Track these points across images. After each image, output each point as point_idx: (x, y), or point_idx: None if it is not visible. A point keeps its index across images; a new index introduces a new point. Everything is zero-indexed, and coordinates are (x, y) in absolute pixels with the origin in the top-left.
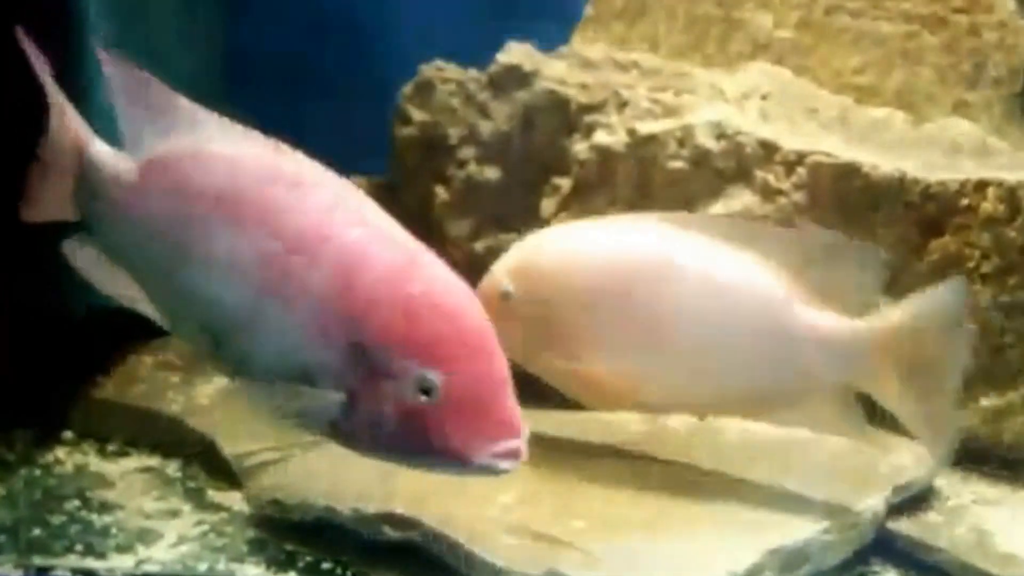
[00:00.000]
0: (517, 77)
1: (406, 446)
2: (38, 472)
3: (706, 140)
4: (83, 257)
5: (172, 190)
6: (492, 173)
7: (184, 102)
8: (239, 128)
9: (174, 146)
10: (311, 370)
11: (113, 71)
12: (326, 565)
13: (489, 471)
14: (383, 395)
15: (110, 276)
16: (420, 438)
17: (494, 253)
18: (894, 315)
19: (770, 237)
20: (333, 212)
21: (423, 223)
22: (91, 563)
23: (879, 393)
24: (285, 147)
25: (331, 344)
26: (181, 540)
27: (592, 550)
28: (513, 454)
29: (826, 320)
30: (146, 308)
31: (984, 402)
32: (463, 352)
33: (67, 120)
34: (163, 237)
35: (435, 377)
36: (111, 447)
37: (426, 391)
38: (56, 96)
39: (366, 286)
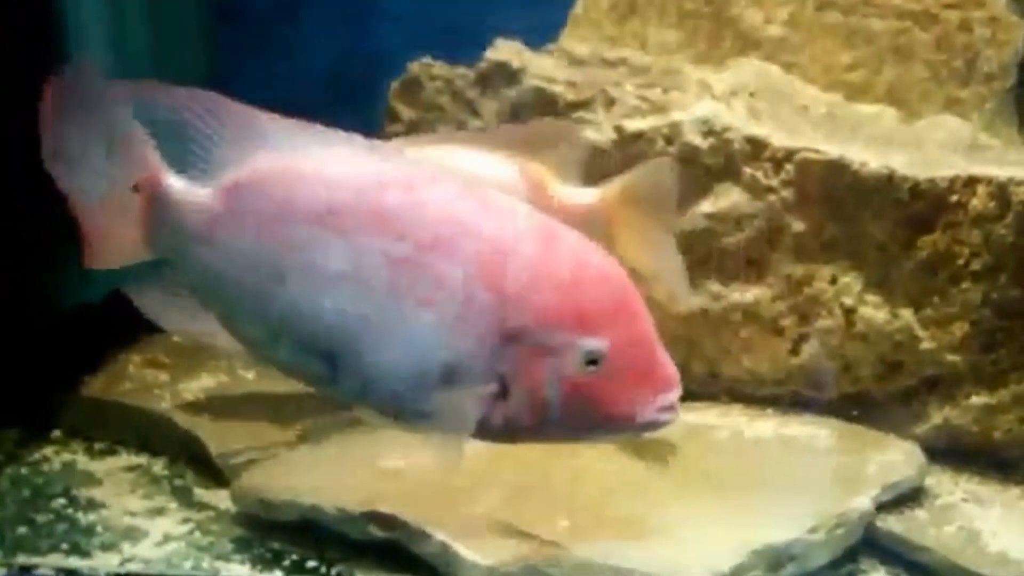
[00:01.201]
0: (505, 74)
1: (574, 421)
2: (25, 470)
3: (694, 137)
4: (151, 300)
5: (269, 211)
6: None
7: (263, 117)
8: (330, 134)
9: (260, 165)
10: (454, 368)
11: (174, 96)
12: (311, 564)
13: (653, 427)
14: (546, 375)
15: (187, 316)
16: (588, 409)
17: None
18: (618, 185)
19: (492, 138)
20: (458, 204)
21: None
22: (75, 562)
23: (619, 250)
24: (381, 145)
25: (480, 336)
26: (166, 538)
27: (577, 549)
28: (672, 406)
29: (569, 194)
30: (230, 344)
31: (975, 400)
32: (620, 316)
33: (139, 153)
34: (262, 261)
35: (600, 346)
36: (99, 445)
37: (593, 361)
38: (128, 127)
39: (515, 271)
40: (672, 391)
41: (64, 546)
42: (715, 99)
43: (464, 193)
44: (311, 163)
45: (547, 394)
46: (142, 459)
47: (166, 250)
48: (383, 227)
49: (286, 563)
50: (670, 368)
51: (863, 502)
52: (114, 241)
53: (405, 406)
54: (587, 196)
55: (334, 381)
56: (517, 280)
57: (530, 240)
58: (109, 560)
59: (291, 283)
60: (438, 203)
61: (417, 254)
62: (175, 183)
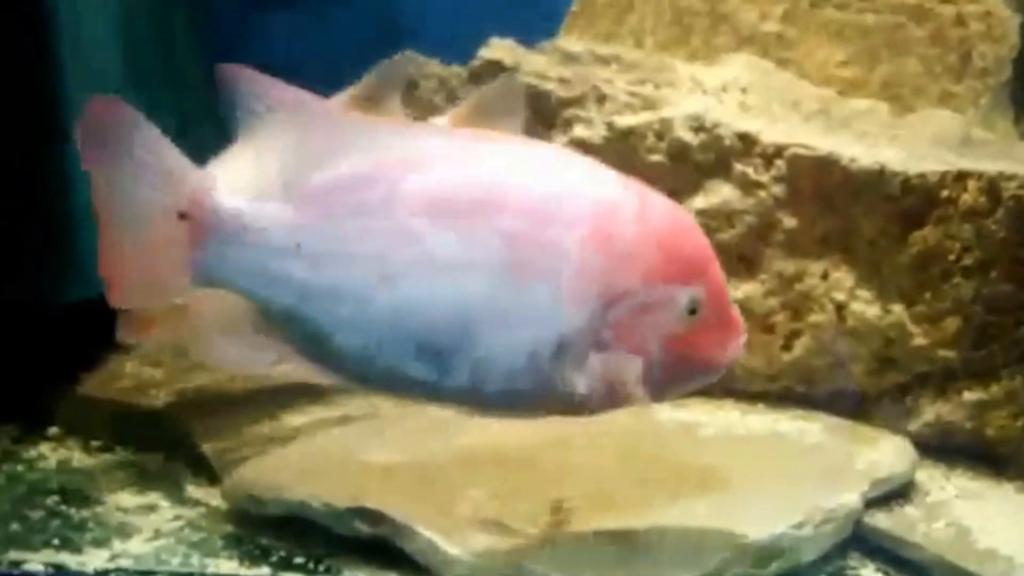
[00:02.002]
0: (498, 72)
1: (673, 375)
2: (20, 467)
3: (684, 133)
4: (214, 344)
5: (367, 210)
6: None
7: (336, 112)
8: (402, 125)
9: (342, 164)
10: (566, 341)
11: (272, 91)
12: (298, 560)
13: (725, 368)
14: (650, 333)
15: (249, 349)
16: (688, 359)
17: None
18: (466, 104)
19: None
20: (558, 171)
21: None
22: (64, 558)
23: None
24: (461, 130)
25: (591, 303)
26: (157, 535)
27: (562, 545)
28: (740, 347)
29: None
30: (305, 372)
31: (967, 396)
32: (707, 263)
33: (180, 176)
34: (363, 264)
35: (698, 294)
36: (95, 443)
37: (692, 310)
38: (163, 152)
39: (622, 233)
40: (743, 332)
41: (55, 542)
42: (706, 95)
43: (560, 159)
44: (399, 155)
45: (652, 352)
46: (137, 456)
47: (228, 276)
48: (492, 206)
49: (274, 559)
50: (737, 309)
51: (851, 498)
52: (158, 276)
53: (518, 392)
54: (440, 121)
55: (439, 382)
56: (623, 240)
57: (626, 199)
58: (99, 556)
59: (400, 281)
60: (540, 173)
61: (530, 227)
62: (235, 201)
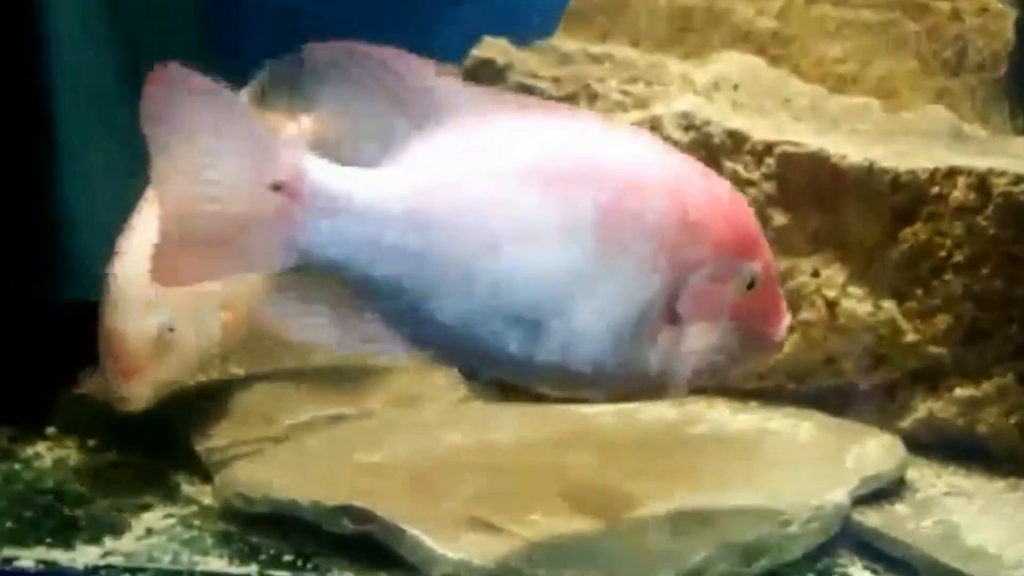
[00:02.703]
0: (491, 71)
1: (734, 349)
2: (18, 466)
3: (674, 131)
4: (290, 316)
5: (476, 178)
6: None
7: (437, 78)
8: (498, 92)
9: (447, 132)
10: (646, 313)
11: (367, 58)
12: (287, 558)
13: (779, 347)
14: (716, 305)
15: (339, 325)
16: (748, 333)
17: None
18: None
19: None
20: (638, 145)
21: None
22: (56, 555)
23: None
24: (547, 103)
25: (669, 274)
26: (149, 532)
27: (548, 544)
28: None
29: None
30: (394, 348)
31: (959, 393)
32: (762, 240)
33: (271, 147)
34: (472, 232)
35: (757, 268)
36: (91, 442)
37: (751, 284)
38: (250, 122)
39: (696, 207)
40: (788, 312)
41: (48, 540)
42: (697, 93)
43: (635, 135)
44: (499, 123)
45: (718, 323)
46: (132, 455)
47: (327, 249)
48: (588, 176)
49: (263, 557)
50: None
51: (840, 495)
52: (252, 251)
53: (602, 366)
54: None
55: (532, 356)
56: (697, 212)
57: (695, 173)
58: (90, 553)
59: (504, 251)
60: (622, 145)
61: (620, 197)
62: (334, 169)
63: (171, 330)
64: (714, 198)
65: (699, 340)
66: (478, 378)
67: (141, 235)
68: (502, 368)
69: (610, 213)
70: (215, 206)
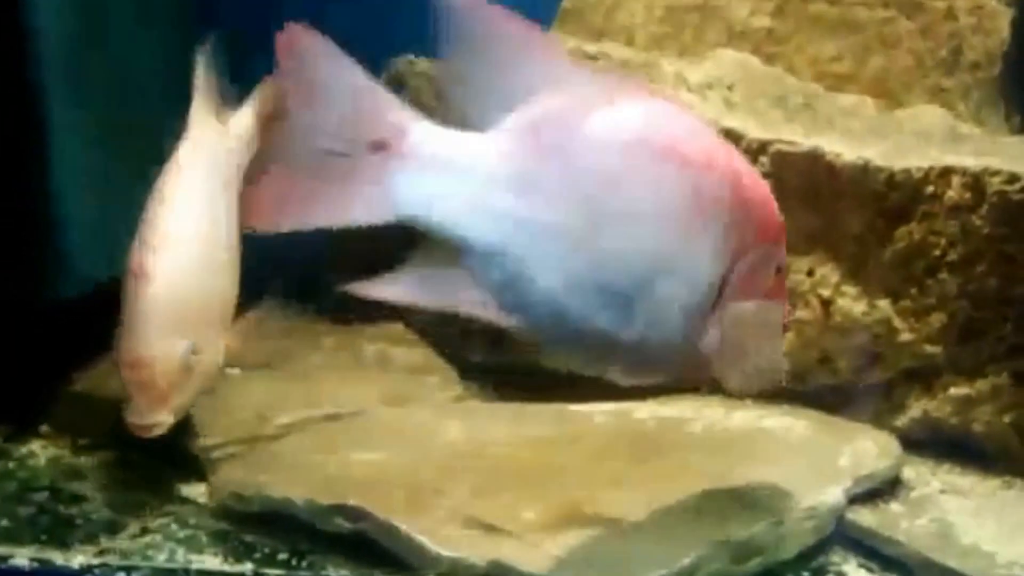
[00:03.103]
0: None
1: (764, 333)
2: (12, 465)
3: None
4: (400, 283)
5: (582, 149)
6: None
7: (557, 52)
8: (602, 68)
9: (553, 101)
10: (708, 296)
11: (496, 21)
12: (282, 556)
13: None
14: (755, 290)
15: (444, 288)
16: (769, 318)
17: None
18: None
19: None
20: (704, 126)
21: None
22: (51, 553)
23: None
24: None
25: (728, 258)
26: (144, 531)
27: (541, 543)
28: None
29: None
30: (497, 316)
31: (953, 391)
32: (784, 226)
33: (381, 107)
34: (575, 202)
35: (783, 252)
36: (86, 440)
37: (779, 269)
38: (361, 81)
39: (751, 191)
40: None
41: (43, 538)
42: (691, 91)
43: (698, 120)
44: (598, 97)
45: (755, 306)
46: (127, 454)
47: (429, 210)
48: (678, 156)
49: (257, 555)
50: None
51: (834, 494)
52: (338, 209)
53: (675, 345)
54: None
55: (617, 335)
56: (752, 195)
57: (742, 161)
58: (85, 552)
59: (605, 225)
60: (700, 126)
61: (705, 179)
62: (441, 130)
63: (195, 354)
64: (760, 183)
65: (745, 322)
66: (548, 355)
67: (165, 256)
68: (589, 348)
69: (698, 193)
70: (321, 157)
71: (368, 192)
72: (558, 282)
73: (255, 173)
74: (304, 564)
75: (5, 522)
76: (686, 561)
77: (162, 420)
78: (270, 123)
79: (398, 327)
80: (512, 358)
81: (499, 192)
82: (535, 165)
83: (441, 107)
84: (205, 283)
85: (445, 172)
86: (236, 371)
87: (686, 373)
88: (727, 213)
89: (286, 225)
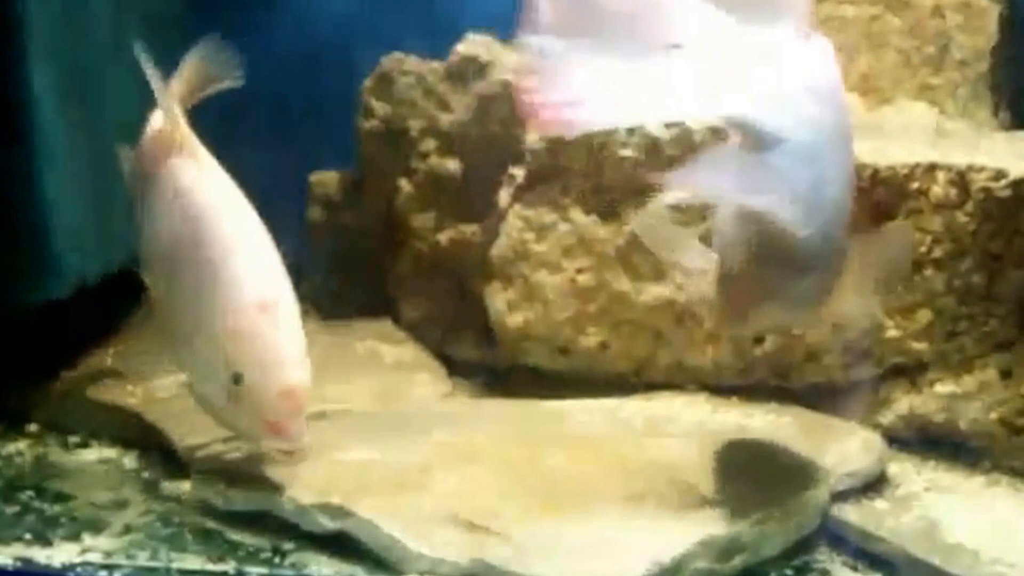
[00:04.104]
0: (474, 68)
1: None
2: None
3: (655, 129)
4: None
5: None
6: (453, 165)
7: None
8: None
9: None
10: None
11: None
12: (265, 555)
13: None
14: None
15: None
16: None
17: (458, 245)
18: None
19: None
20: None
21: (388, 216)
22: (34, 552)
23: None
24: None
25: None
26: (128, 529)
27: (524, 540)
28: None
29: None
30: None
31: (940, 388)
32: None
33: None
34: (836, 120)
35: None
36: (73, 439)
37: None
38: None
39: None
40: None
41: (27, 536)
42: None
43: None
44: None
45: None
46: (113, 452)
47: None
48: (836, 91)
49: (241, 554)
50: None
51: (818, 491)
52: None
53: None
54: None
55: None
56: None
57: None
58: (69, 550)
59: (838, 171)
60: None
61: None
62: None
63: None
64: None
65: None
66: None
67: (277, 285)
68: (830, 242)
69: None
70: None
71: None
72: (829, 182)
73: None
74: (287, 563)
75: None
76: (671, 558)
77: (306, 443)
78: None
79: (388, 324)
80: (501, 356)
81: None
82: (828, 80)
83: (431, 104)
84: (294, 298)
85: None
86: None
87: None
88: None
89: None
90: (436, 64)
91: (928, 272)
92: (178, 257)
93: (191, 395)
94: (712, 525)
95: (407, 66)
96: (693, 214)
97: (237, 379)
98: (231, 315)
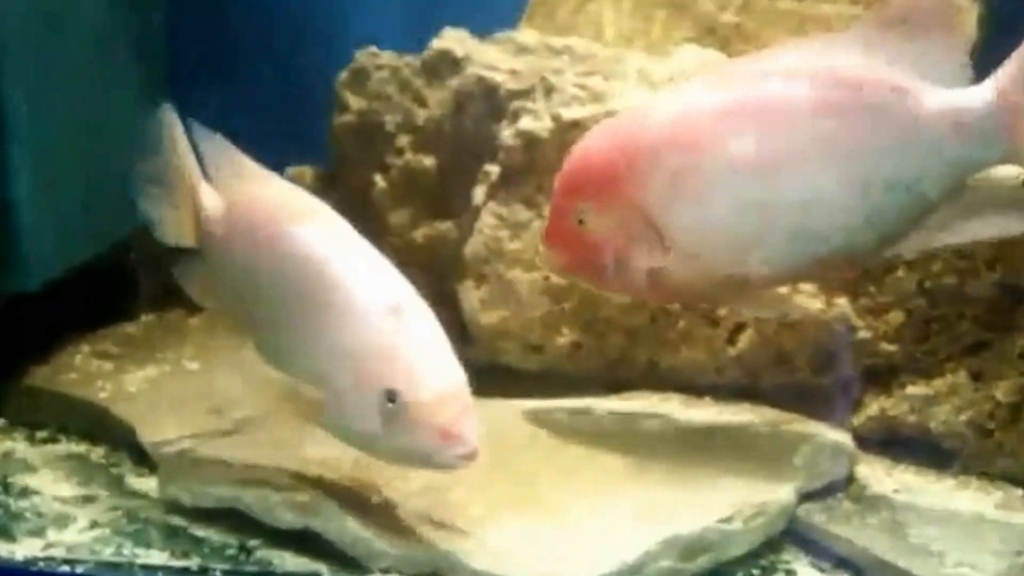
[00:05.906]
0: (449, 63)
1: None
2: None
3: None
4: None
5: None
6: (429, 161)
7: None
8: None
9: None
10: None
11: None
12: (230, 551)
13: None
14: None
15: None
16: None
17: (433, 242)
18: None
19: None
20: None
21: (363, 212)
22: None
23: None
24: None
25: None
26: (93, 525)
27: (489, 537)
28: None
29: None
30: None
31: (911, 390)
32: None
33: None
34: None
35: None
36: (41, 434)
37: None
38: None
39: None
40: None
41: None
42: (653, 87)
43: None
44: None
45: None
46: (81, 448)
47: None
48: None
49: (206, 550)
50: None
51: (785, 492)
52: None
53: None
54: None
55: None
56: None
57: None
58: (32, 545)
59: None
60: None
61: None
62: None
63: None
64: None
65: None
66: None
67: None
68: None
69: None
70: None
71: None
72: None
73: None
74: (252, 559)
75: None
76: (636, 556)
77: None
78: None
79: None
80: (476, 354)
81: None
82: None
83: (406, 98)
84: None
85: None
86: (194, 366)
87: None
88: None
89: None
90: (411, 58)
91: (900, 274)
92: (282, 296)
93: (329, 433)
94: (678, 524)
95: (382, 60)
96: None
97: (391, 396)
98: (363, 328)
